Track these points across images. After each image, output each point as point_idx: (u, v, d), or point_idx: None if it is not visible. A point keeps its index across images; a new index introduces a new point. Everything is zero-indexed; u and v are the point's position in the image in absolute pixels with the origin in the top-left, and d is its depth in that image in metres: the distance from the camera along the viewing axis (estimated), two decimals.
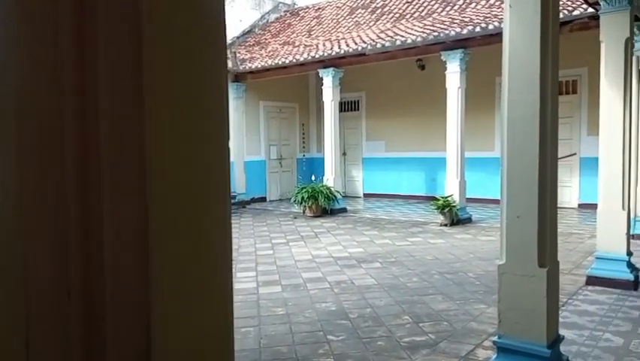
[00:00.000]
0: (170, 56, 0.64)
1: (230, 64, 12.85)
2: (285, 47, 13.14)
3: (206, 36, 0.69)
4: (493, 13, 10.09)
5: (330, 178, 11.34)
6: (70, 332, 0.61)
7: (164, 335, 0.64)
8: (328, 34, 13.40)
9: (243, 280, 6.01)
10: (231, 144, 11.74)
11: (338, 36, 12.73)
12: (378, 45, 10.35)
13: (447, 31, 9.58)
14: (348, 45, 11.15)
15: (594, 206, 5.66)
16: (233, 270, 6.45)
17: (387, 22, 12.48)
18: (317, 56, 11.25)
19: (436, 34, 9.71)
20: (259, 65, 12.29)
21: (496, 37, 8.28)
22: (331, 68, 11.23)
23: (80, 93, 0.60)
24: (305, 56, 11.54)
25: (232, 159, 12.92)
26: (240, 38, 14.78)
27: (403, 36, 10.28)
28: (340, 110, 12.88)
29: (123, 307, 0.62)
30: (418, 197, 12.88)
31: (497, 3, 10.64)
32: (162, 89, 0.63)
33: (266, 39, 14.62)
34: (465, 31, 9.29)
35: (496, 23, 8.99)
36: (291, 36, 14.24)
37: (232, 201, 12.03)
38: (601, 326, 4.16)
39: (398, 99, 13.09)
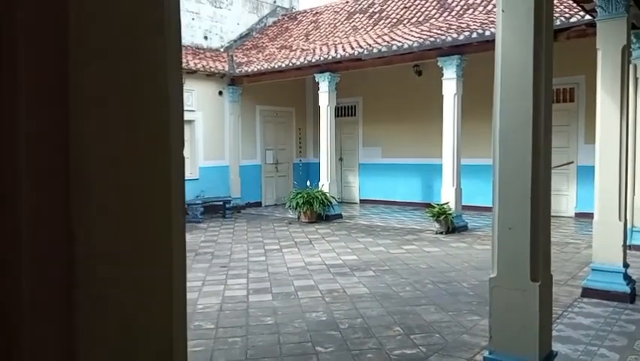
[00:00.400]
0: (102, 54, 0.59)
1: (226, 67, 12.79)
2: (282, 51, 13.08)
3: (148, 32, 0.64)
4: (490, 19, 10.02)
5: (325, 184, 11.24)
6: None
7: None
8: (325, 38, 13.33)
9: (233, 288, 5.91)
10: (227, 147, 11.45)
11: (335, 41, 12.66)
12: (375, 50, 10.28)
13: (443, 37, 9.52)
14: (344, 49, 11.07)
15: (591, 215, 5.56)
16: (224, 276, 6.43)
17: (385, 27, 12.41)
18: (313, 60, 11.18)
19: (432, 39, 9.64)
20: (255, 69, 12.22)
21: (492, 43, 8.12)
22: (327, 73, 11.16)
23: None
24: (301, 60, 11.47)
25: (228, 163, 12.85)
26: (238, 42, 14.72)
27: (399, 41, 10.21)
28: (338, 116, 12.80)
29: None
30: (414, 204, 12.79)
31: (494, 9, 10.57)
32: (90, 89, 0.58)
33: (263, 43, 14.56)
34: (462, 37, 9.23)
35: (492, 29, 8.88)
36: (289, 40, 14.18)
37: (227, 205, 11.97)
38: (596, 340, 4.06)
39: (394, 105, 13.02)
